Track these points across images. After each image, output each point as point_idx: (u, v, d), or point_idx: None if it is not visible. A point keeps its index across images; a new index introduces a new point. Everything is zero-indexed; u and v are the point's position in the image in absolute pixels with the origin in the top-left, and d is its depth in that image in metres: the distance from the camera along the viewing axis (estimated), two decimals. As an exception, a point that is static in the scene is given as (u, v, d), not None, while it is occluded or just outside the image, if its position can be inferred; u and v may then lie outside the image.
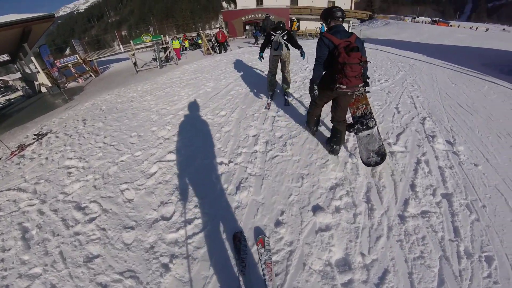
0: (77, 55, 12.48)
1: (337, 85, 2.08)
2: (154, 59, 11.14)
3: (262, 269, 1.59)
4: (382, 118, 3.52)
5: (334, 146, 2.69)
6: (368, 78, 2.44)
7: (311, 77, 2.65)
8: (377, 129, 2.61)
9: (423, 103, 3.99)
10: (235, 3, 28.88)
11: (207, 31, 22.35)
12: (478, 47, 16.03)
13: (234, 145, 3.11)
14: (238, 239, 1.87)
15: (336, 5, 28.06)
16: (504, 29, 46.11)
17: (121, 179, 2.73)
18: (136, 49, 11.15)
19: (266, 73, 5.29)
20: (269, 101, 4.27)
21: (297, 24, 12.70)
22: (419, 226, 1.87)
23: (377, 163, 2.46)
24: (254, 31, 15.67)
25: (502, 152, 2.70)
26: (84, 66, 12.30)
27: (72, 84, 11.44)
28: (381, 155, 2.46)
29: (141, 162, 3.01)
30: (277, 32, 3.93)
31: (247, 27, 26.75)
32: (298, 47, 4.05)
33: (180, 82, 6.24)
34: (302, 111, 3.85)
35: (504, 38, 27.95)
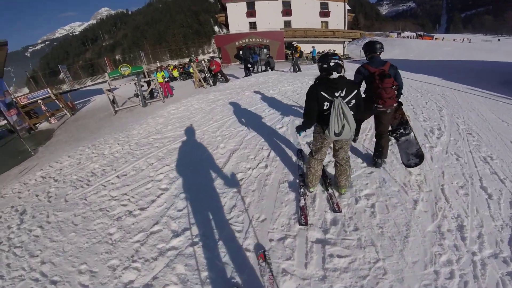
0: (48, 89, 10.85)
1: (375, 105, 2.64)
2: (136, 95, 9.62)
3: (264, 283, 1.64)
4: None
5: (377, 160, 3.02)
6: (402, 94, 2.93)
7: None
8: (413, 135, 2.93)
9: (504, 171, 3.01)
10: (227, 27, 28.47)
11: (200, 56, 21.38)
12: (476, 60, 16.05)
13: None
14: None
15: (330, 26, 28.03)
16: (485, 40, 48.22)
17: None
18: (111, 83, 9.58)
19: (296, 143, 3.84)
20: (304, 203, 2.47)
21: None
22: None
23: (416, 164, 2.88)
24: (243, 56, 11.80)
25: None
26: (57, 102, 10.69)
27: (43, 125, 9.74)
28: (420, 157, 2.85)
29: None
30: (336, 95, 1.97)
31: (241, 52, 26.00)
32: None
33: (159, 143, 4.57)
34: (374, 223, 2.23)
35: (489, 49, 28.63)
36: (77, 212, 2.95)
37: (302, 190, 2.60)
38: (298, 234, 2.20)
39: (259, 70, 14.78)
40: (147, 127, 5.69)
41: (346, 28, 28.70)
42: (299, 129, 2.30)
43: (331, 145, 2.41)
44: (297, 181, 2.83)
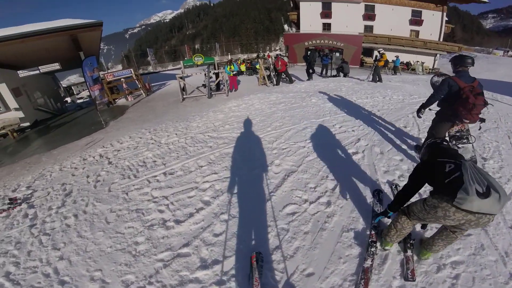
0: (131, 69, 12.14)
1: (463, 119, 2.69)
2: (204, 85, 9.85)
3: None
4: None
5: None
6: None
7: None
8: (472, 145, 3.02)
9: None
10: (298, 26, 27.47)
11: (271, 53, 21.17)
12: None
13: None
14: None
15: (421, 35, 24.11)
16: None
17: None
18: (185, 71, 10.05)
19: (374, 179, 2.95)
20: (370, 264, 1.84)
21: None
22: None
23: None
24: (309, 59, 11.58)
25: None
26: (137, 82, 11.90)
27: (121, 101, 11.00)
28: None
29: None
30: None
31: (308, 53, 24.76)
32: None
33: (213, 143, 4.22)
34: None
35: None
36: (114, 207, 2.80)
37: (372, 249, 1.93)
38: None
39: (329, 74, 13.54)
40: (207, 121, 5.51)
41: (441, 40, 24.17)
42: (383, 214, 1.91)
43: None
44: (368, 233, 2.10)
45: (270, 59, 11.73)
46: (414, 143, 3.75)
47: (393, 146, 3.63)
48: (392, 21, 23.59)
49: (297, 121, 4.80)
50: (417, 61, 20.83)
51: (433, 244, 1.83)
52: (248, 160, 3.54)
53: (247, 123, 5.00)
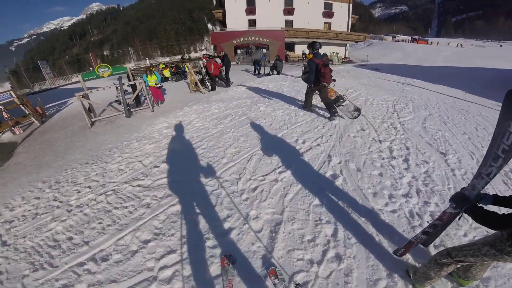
0: (11, 92, 8.85)
1: (322, 83, 4.52)
2: (118, 101, 7.86)
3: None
4: None
5: (331, 116, 4.66)
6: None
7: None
8: (349, 101, 4.83)
9: None
10: (223, 24, 26.73)
11: (192, 54, 19.55)
12: (479, 67, 15.12)
13: None
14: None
15: (332, 27, 26.77)
16: (481, 45, 48.45)
17: None
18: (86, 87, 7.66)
19: (368, 207, 2.47)
20: None
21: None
22: None
23: (358, 115, 4.58)
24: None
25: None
26: (23, 108, 8.77)
27: (6, 136, 7.84)
28: (358, 110, 4.63)
29: None
30: None
31: (238, 51, 24.30)
32: None
33: (150, 199, 2.91)
34: None
35: (486, 55, 28.15)
36: None
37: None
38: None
39: (263, 72, 13.25)
40: (131, 158, 4.03)
41: (349, 30, 27.48)
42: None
43: None
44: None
45: (201, 61, 10.52)
46: (385, 145, 3.49)
47: (363, 157, 3.32)
48: (308, 15, 25.34)
49: (254, 142, 3.90)
50: (333, 52, 23.05)
51: (476, 274, 1.61)
52: (213, 220, 2.47)
53: (191, 154, 3.82)
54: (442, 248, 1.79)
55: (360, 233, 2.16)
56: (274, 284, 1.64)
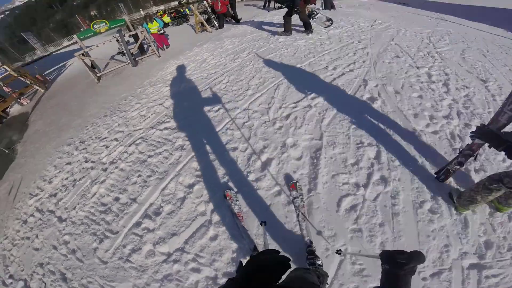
0: (5, 66, 8.17)
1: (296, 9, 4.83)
2: (121, 53, 7.37)
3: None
4: None
5: (307, 30, 5.01)
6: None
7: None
8: (320, 14, 5.41)
9: None
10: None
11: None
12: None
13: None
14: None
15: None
16: None
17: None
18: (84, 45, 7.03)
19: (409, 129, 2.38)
20: None
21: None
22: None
23: (331, 24, 5.24)
24: None
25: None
26: (23, 79, 8.35)
27: (15, 109, 7.68)
28: (330, 20, 5.30)
29: None
30: None
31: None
32: None
33: (182, 148, 2.72)
34: None
35: None
36: (137, 283, 1.73)
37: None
38: (453, 265, 1.51)
39: (274, 6, 11.73)
40: (150, 103, 3.88)
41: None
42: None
43: None
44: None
45: (206, 1, 9.40)
46: (423, 71, 3.18)
47: (401, 81, 3.05)
48: None
49: (279, 71, 3.63)
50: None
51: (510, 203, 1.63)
52: (249, 152, 2.42)
53: (213, 90, 3.62)
54: (483, 173, 1.82)
55: (403, 155, 2.09)
56: (293, 198, 1.65)
